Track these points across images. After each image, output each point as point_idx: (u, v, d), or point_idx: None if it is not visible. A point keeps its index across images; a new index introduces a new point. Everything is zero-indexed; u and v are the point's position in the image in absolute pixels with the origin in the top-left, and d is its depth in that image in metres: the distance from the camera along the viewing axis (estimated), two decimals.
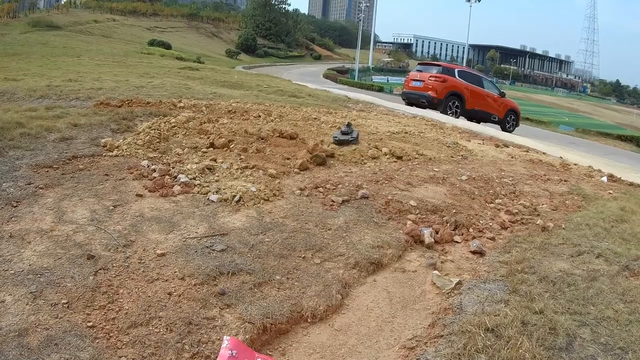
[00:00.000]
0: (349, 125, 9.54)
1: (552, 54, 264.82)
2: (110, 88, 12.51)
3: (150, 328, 3.86)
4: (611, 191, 8.92)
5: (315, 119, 11.73)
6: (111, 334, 3.77)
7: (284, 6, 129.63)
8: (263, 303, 4.34)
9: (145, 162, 6.80)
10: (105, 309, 3.99)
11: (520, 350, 3.70)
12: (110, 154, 7.06)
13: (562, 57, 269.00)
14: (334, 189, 6.71)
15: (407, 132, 11.63)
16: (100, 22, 78.19)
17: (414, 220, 6.18)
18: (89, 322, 3.83)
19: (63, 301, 3.99)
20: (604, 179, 10.35)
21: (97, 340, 3.69)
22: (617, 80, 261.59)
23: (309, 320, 4.41)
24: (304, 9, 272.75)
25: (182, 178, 6.37)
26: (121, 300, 4.13)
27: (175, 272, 4.53)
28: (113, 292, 4.19)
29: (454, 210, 6.64)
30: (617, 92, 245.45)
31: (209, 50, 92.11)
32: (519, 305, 4.38)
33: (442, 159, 9.33)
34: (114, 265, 4.53)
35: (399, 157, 8.70)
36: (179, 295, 4.25)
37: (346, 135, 9.27)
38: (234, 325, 4.05)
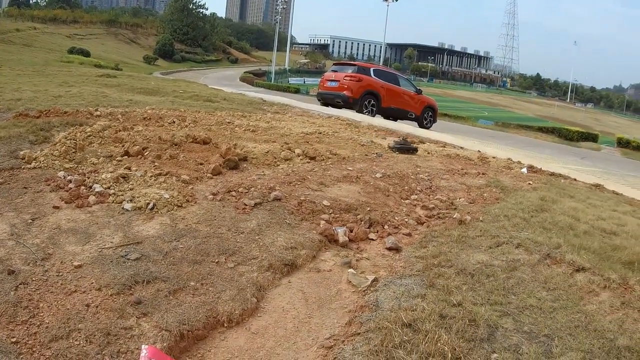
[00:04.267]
0: (404, 139, 11.37)
1: (471, 51, 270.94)
2: (29, 98, 12.28)
3: (71, 341, 3.83)
4: (531, 182, 9.16)
5: (229, 122, 11.75)
6: (34, 349, 3.72)
7: (201, 10, 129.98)
8: (179, 310, 4.32)
9: (61, 173, 6.69)
10: (27, 324, 3.94)
11: (439, 344, 3.74)
12: (29, 166, 6.92)
13: (482, 53, 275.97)
14: (247, 192, 6.69)
15: (321, 133, 11.73)
16: (22, 31, 78.38)
17: (328, 220, 6.21)
18: (13, 337, 3.79)
19: None
20: (524, 170, 10.61)
21: (21, 356, 3.65)
22: (538, 74, 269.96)
23: (225, 325, 4.40)
24: (221, 13, 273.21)
25: (97, 188, 6.28)
26: (42, 314, 4.07)
27: (92, 283, 4.47)
28: (34, 307, 4.12)
29: (369, 208, 6.70)
30: (537, 85, 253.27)
31: (127, 56, 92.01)
32: (436, 299, 4.45)
33: (356, 157, 9.42)
34: (34, 279, 4.45)
35: (312, 158, 8.74)
36: (97, 307, 4.20)
37: (405, 144, 11.09)
38: (152, 334, 4.02)
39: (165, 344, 3.97)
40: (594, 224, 6.68)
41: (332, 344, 4.10)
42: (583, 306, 4.49)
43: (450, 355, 3.66)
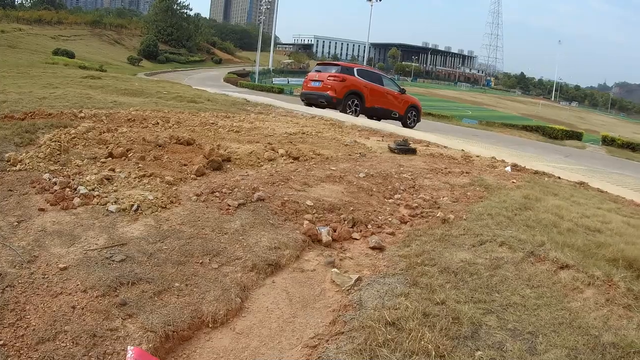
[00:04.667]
0: (405, 140, 11.77)
1: (455, 50, 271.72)
2: (15, 100, 12.20)
3: (58, 343, 3.83)
4: (515, 180, 9.20)
5: (212, 123, 11.75)
6: (21, 351, 3.72)
7: (185, 11, 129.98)
8: (164, 311, 4.32)
9: (46, 176, 6.67)
10: (14, 327, 3.94)
11: (423, 342, 3.76)
12: (14, 168, 6.89)
13: (466, 53, 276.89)
14: (230, 192, 6.69)
15: (304, 133, 11.75)
16: (7, 32, 78.43)
17: (311, 220, 6.22)
18: (0, 340, 3.79)
19: None
20: (508, 168, 10.65)
21: (9, 358, 3.66)
22: (522, 73, 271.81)
23: (210, 325, 4.41)
24: (205, 13, 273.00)
25: (82, 190, 6.27)
26: (28, 316, 4.06)
27: (78, 285, 4.46)
28: (20, 309, 4.12)
29: (352, 208, 6.73)
30: (521, 84, 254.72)
31: (112, 57, 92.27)
32: (419, 297, 4.47)
33: (339, 157, 9.45)
34: (20, 281, 4.44)
35: (296, 158, 8.75)
36: (83, 308, 4.20)
37: (405, 145, 11.37)
38: (137, 335, 4.02)
39: (150, 345, 3.97)
40: (578, 221, 6.72)
41: (316, 343, 4.11)
42: (567, 303, 4.51)
43: (434, 353, 3.67)
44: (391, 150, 11.27)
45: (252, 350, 4.20)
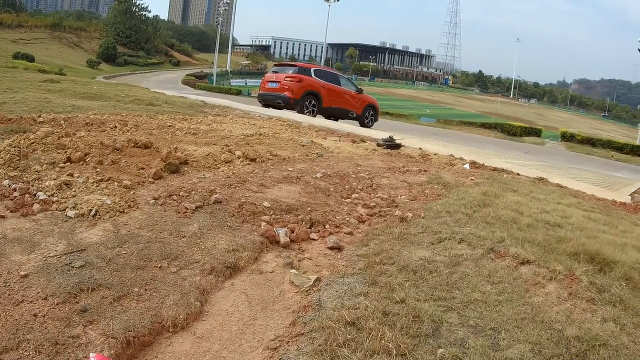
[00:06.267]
0: (391, 137, 12.95)
1: (413, 49, 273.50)
2: None
3: (21, 352, 3.78)
4: (473, 177, 9.27)
5: (170, 126, 11.73)
6: None
7: (144, 13, 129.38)
8: (124, 317, 4.29)
9: (6, 182, 6.55)
10: None
11: (383, 341, 3.75)
12: None
13: (423, 52, 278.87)
14: (188, 195, 6.65)
15: (261, 134, 11.75)
16: None
17: (269, 221, 6.20)
18: None
19: None
20: (466, 166, 10.74)
21: None
22: (480, 71, 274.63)
23: (171, 330, 4.38)
24: (163, 15, 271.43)
25: (41, 195, 6.17)
26: None
27: (39, 292, 4.40)
28: None
29: (309, 208, 6.73)
30: (480, 82, 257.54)
31: (71, 61, 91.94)
32: (379, 296, 4.47)
33: (296, 158, 9.45)
34: None
35: (253, 160, 8.74)
36: (44, 316, 4.15)
37: (392, 141, 12.67)
38: (99, 342, 3.98)
39: (112, 352, 3.95)
40: (538, 217, 6.78)
41: (277, 345, 4.10)
42: (529, 298, 4.53)
43: (395, 352, 3.66)
44: (380, 146, 12.21)
45: (213, 354, 4.19)
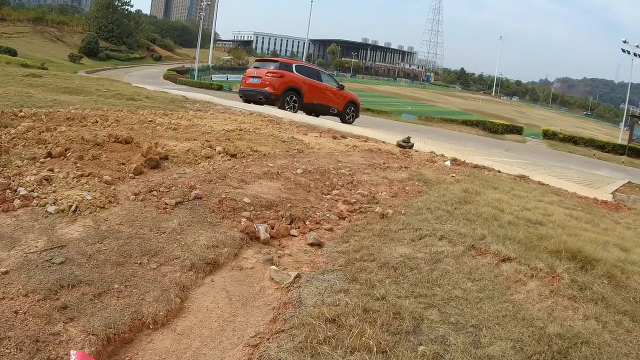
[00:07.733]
0: (408, 138, 13.44)
1: (395, 46, 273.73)
2: None
3: (2, 349, 3.77)
4: (454, 174, 9.30)
5: (150, 121, 11.67)
6: None
7: (126, 7, 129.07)
8: (104, 313, 4.28)
9: None
10: None
11: (364, 338, 3.76)
12: None
13: (405, 49, 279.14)
14: (168, 191, 6.62)
15: (242, 130, 11.72)
16: None
17: (249, 217, 6.20)
18: None
19: None
20: (447, 163, 10.77)
21: None
22: (462, 69, 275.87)
23: (151, 327, 4.38)
24: (146, 9, 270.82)
25: (22, 191, 6.12)
26: None
27: (19, 289, 4.38)
28: None
29: (289, 204, 6.72)
30: (462, 79, 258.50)
31: (53, 55, 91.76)
32: (359, 293, 4.47)
33: (277, 154, 9.43)
34: None
35: (233, 155, 8.71)
36: (25, 313, 4.13)
37: (407, 143, 12.99)
38: (79, 339, 3.97)
39: (93, 349, 3.94)
40: (519, 214, 6.82)
41: (258, 342, 4.10)
42: (510, 296, 4.55)
43: (375, 349, 3.67)
44: (400, 146, 12.82)
45: (193, 350, 4.20)
